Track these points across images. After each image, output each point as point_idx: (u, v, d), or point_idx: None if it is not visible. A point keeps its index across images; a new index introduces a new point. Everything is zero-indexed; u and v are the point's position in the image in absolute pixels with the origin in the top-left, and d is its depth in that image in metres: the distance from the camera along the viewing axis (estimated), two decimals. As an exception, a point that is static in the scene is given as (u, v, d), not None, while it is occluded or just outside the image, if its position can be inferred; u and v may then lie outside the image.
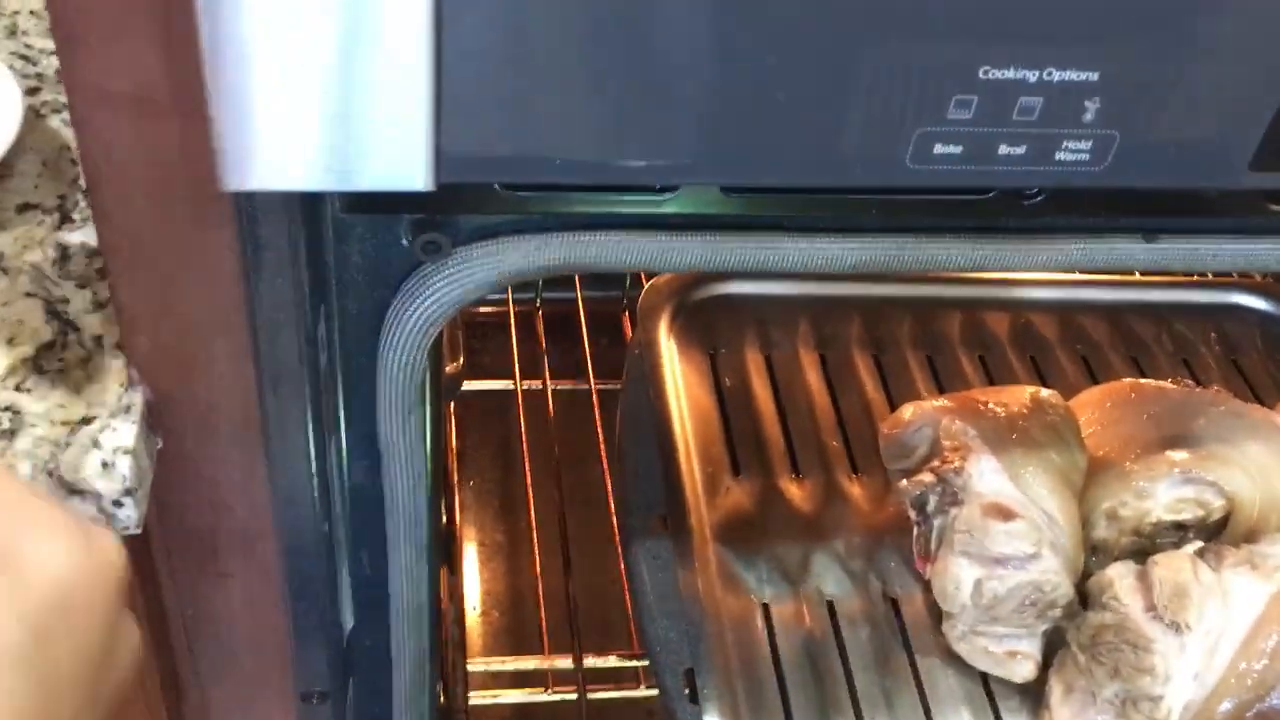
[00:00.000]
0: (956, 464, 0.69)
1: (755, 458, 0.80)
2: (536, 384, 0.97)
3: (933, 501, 0.70)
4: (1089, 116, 0.50)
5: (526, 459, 0.83)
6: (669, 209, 0.53)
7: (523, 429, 0.82)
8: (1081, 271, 0.91)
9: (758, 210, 0.55)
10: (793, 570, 0.74)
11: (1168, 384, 0.77)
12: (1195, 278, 0.97)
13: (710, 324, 0.87)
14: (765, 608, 0.72)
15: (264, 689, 0.72)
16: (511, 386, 0.85)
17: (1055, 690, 0.66)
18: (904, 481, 0.71)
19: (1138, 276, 0.96)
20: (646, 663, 0.72)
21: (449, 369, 0.82)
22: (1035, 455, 0.69)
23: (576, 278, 1.08)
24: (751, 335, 0.87)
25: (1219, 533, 0.71)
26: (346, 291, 0.55)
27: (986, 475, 0.68)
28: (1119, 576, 0.65)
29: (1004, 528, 0.65)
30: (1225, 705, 0.62)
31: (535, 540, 0.79)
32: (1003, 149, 0.50)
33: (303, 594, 0.67)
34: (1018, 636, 0.67)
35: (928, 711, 0.68)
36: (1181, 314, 0.94)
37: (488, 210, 0.53)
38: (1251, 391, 0.89)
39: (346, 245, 0.54)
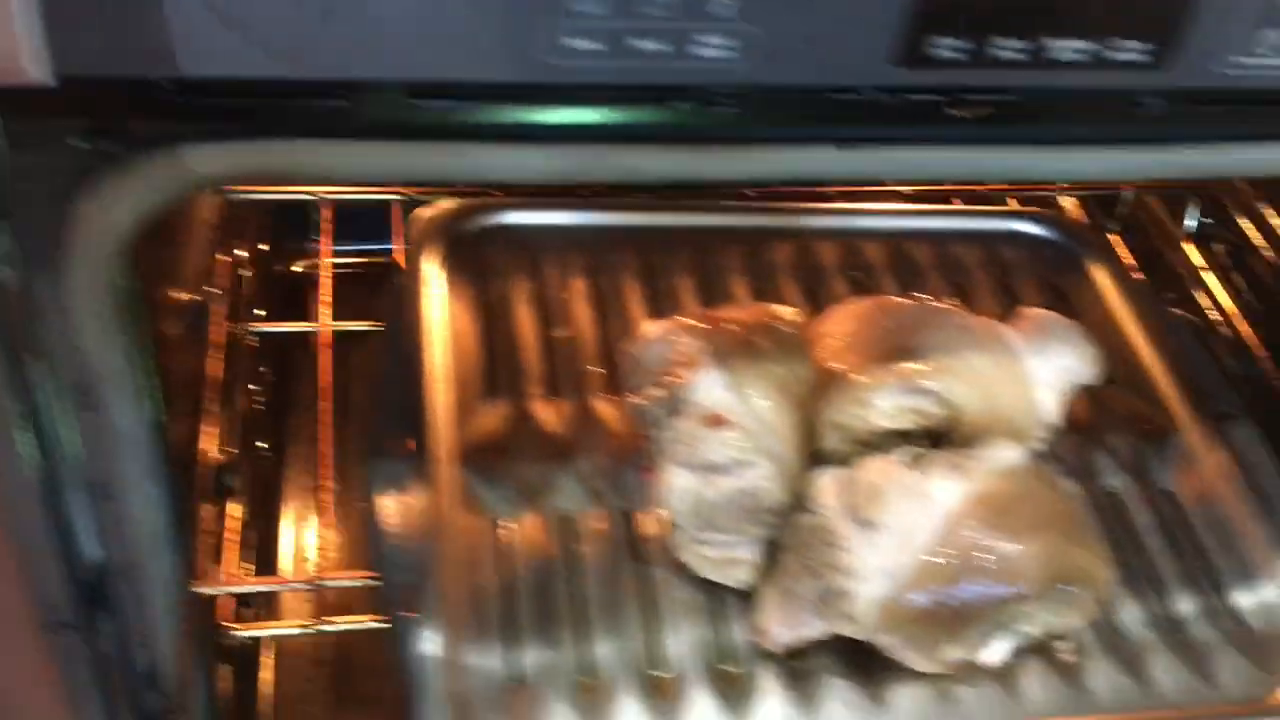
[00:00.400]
0: (682, 378, 0.70)
1: (511, 383, 0.80)
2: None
3: (658, 415, 0.71)
4: (727, 11, 0.51)
5: (321, 398, 0.84)
6: (357, 117, 0.53)
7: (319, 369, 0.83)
8: (778, 183, 0.92)
9: (444, 119, 0.56)
10: (534, 490, 0.74)
11: (905, 300, 0.78)
12: (976, 206, 0.99)
13: (481, 255, 0.87)
14: (502, 527, 0.73)
15: (6, 620, 0.72)
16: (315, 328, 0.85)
17: (768, 593, 0.67)
18: (634, 397, 0.72)
19: (918, 206, 0.98)
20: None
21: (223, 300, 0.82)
22: (759, 368, 0.70)
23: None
24: (524, 266, 0.88)
25: (942, 442, 0.72)
26: (28, 203, 0.55)
27: (708, 387, 0.69)
28: (823, 481, 0.66)
29: (717, 435, 0.66)
30: (916, 597, 0.63)
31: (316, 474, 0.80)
32: (642, 44, 0.51)
33: (27, 524, 0.66)
34: (735, 543, 0.68)
35: (651, 621, 0.70)
36: (959, 240, 0.96)
37: (165, 115, 0.53)
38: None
39: (23, 155, 0.53)
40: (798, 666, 0.68)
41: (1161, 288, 1.05)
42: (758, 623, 0.67)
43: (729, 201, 0.94)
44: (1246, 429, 0.84)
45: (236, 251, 0.89)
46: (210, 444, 0.78)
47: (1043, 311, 0.77)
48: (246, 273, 0.91)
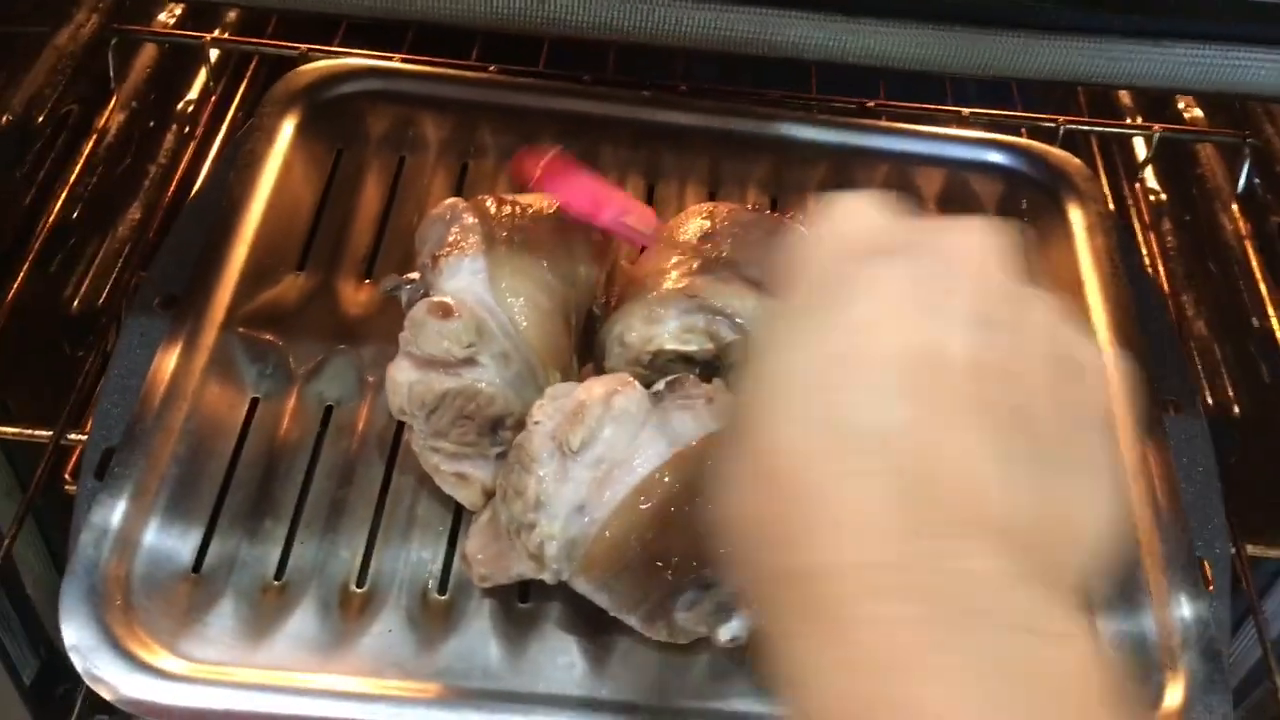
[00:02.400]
0: (439, 260, 0.60)
1: (329, 257, 0.73)
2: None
3: (405, 298, 0.62)
4: None
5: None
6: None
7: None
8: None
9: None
10: (304, 372, 0.67)
11: (745, 207, 0.66)
12: (949, 130, 0.84)
13: (346, 120, 0.79)
14: (253, 402, 0.66)
15: None
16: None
17: (480, 516, 0.58)
18: (388, 277, 0.63)
19: (884, 122, 0.84)
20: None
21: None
22: (528, 262, 0.60)
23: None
24: (390, 136, 0.79)
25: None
26: None
27: (461, 274, 0.60)
28: (553, 394, 0.56)
29: (438, 326, 0.57)
30: (614, 543, 0.52)
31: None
32: None
33: None
34: (466, 457, 0.59)
35: (375, 532, 0.61)
36: (921, 164, 0.81)
37: None
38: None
39: None
40: (515, 607, 0.59)
41: (1203, 254, 0.87)
42: (463, 550, 0.58)
43: (650, 94, 0.83)
44: (1192, 426, 0.68)
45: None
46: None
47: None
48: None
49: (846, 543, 0.32)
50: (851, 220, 0.38)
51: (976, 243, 0.37)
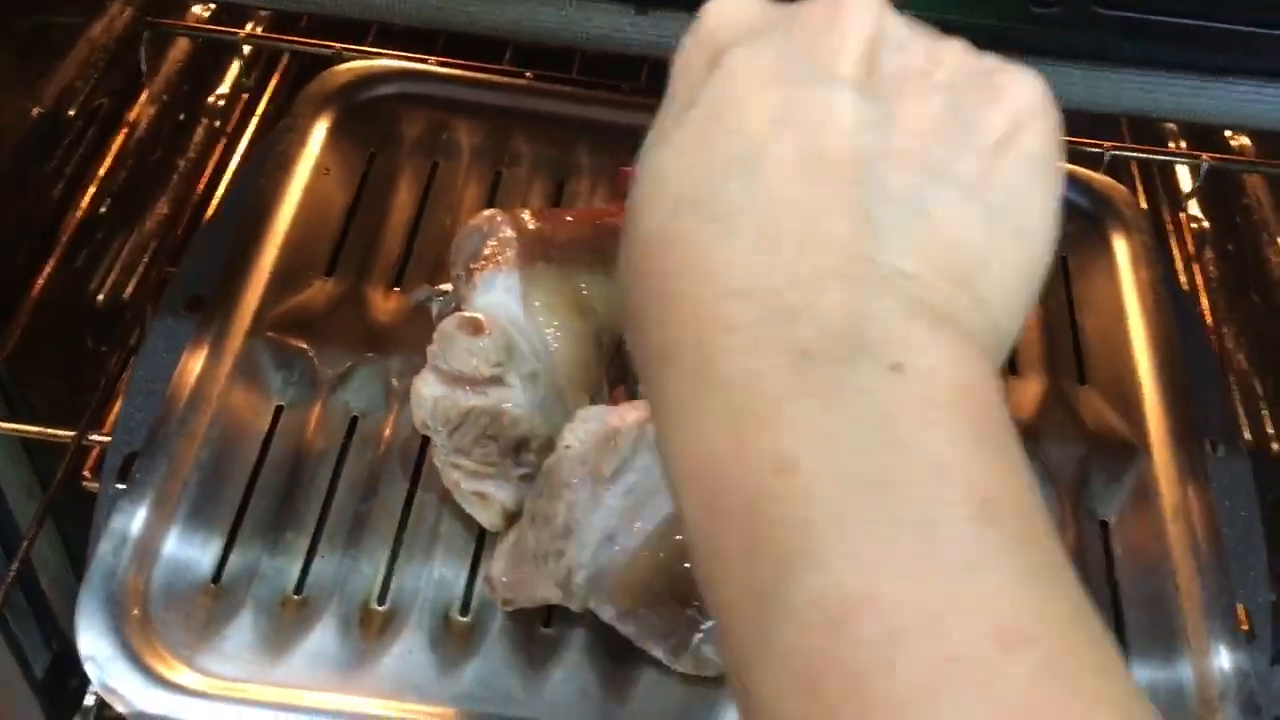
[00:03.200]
0: (475, 274, 0.59)
1: (359, 263, 0.72)
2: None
3: (436, 309, 0.61)
4: None
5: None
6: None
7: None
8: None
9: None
10: (330, 379, 0.66)
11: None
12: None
13: (380, 123, 0.78)
14: (278, 410, 0.65)
15: None
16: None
17: (507, 536, 0.57)
18: (418, 290, 0.62)
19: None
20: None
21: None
22: (564, 281, 0.59)
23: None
24: (424, 141, 0.78)
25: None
26: None
27: (495, 290, 0.58)
28: (578, 418, 0.54)
29: (467, 343, 0.56)
30: (643, 573, 0.51)
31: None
32: None
33: None
34: (487, 477, 0.58)
35: (397, 547, 0.60)
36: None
37: None
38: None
39: None
40: (538, 631, 0.58)
41: (1246, 286, 0.86)
42: (488, 572, 0.57)
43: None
44: (1234, 467, 0.66)
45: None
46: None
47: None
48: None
49: (712, 296, 0.31)
50: (722, 10, 0.36)
51: (855, 6, 0.35)
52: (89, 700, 0.72)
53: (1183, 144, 0.92)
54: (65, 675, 0.81)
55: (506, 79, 0.81)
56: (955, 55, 0.35)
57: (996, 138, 0.33)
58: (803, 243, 0.31)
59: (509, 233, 0.61)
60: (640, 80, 0.84)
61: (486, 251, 0.60)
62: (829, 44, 0.34)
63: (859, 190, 0.32)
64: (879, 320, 0.30)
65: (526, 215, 0.62)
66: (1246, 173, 0.87)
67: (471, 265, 0.60)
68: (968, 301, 0.32)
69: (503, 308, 0.58)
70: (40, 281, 0.72)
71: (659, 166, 0.34)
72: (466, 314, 0.57)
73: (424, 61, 0.81)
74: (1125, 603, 0.61)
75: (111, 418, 0.71)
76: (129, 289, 0.82)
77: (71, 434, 0.66)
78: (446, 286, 0.62)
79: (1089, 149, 0.84)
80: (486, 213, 0.63)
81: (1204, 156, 0.84)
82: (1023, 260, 0.33)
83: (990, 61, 0.35)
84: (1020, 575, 0.27)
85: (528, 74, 0.82)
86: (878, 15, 0.35)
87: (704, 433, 0.30)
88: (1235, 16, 0.49)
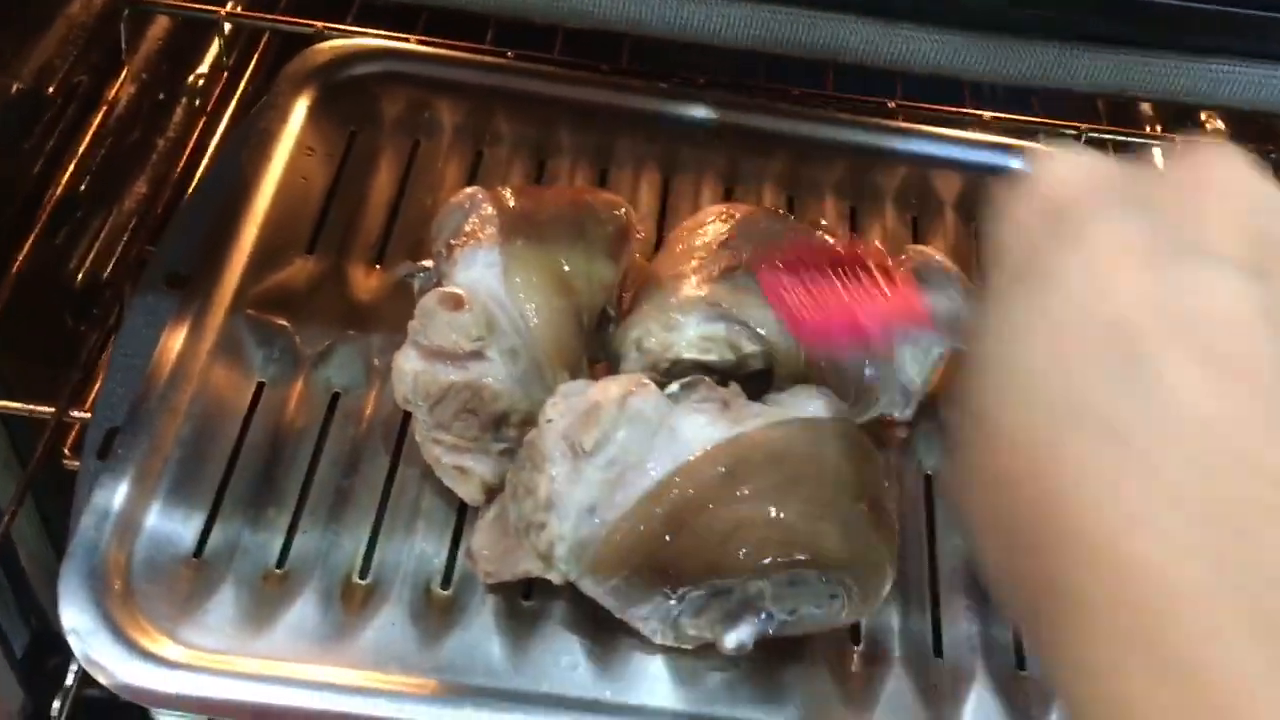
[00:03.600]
0: (454, 250, 0.59)
1: (340, 241, 0.72)
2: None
3: (417, 285, 0.61)
4: None
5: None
6: None
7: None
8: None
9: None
10: (312, 357, 0.66)
11: (766, 209, 0.65)
12: (965, 134, 0.83)
13: (361, 101, 0.78)
14: (259, 387, 0.65)
15: None
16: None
17: (488, 510, 0.57)
18: (402, 264, 0.62)
19: (904, 124, 0.83)
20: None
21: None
22: (544, 257, 0.59)
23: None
24: (405, 119, 0.78)
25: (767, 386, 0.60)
26: None
27: (475, 266, 0.59)
28: (565, 391, 0.55)
29: (447, 317, 0.56)
30: (623, 546, 0.52)
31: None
32: None
33: None
34: (467, 451, 0.58)
35: (379, 522, 0.61)
36: (938, 167, 0.80)
37: None
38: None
39: None
40: (519, 604, 0.58)
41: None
42: (469, 545, 0.57)
43: (668, 86, 0.81)
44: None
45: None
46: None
47: (926, 250, 0.62)
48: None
49: (1136, 546, 0.26)
50: (1060, 172, 0.32)
51: (1221, 170, 0.30)
52: (69, 680, 0.72)
53: (1158, 128, 0.93)
54: (45, 654, 0.81)
55: (488, 58, 0.81)
56: None
57: None
58: (1234, 471, 0.26)
59: (490, 210, 0.61)
60: (622, 61, 0.84)
61: (467, 228, 0.60)
62: (1199, 214, 0.29)
63: (1265, 394, 0.27)
64: None
65: (507, 193, 0.62)
66: (1220, 156, 0.88)
67: (452, 241, 0.60)
68: None
69: (483, 283, 0.58)
70: (19, 259, 0.72)
71: (1013, 353, 0.29)
72: (447, 289, 0.57)
73: (405, 40, 0.81)
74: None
75: (91, 395, 0.71)
76: (108, 267, 0.82)
77: (52, 410, 0.66)
78: (428, 263, 0.62)
79: (1065, 131, 0.85)
80: (467, 190, 0.63)
81: (1177, 140, 0.85)
82: None
83: None
84: None
85: (509, 53, 0.82)
86: (1248, 178, 0.31)
87: (1141, 700, 0.25)
88: (1210, -3, 0.50)
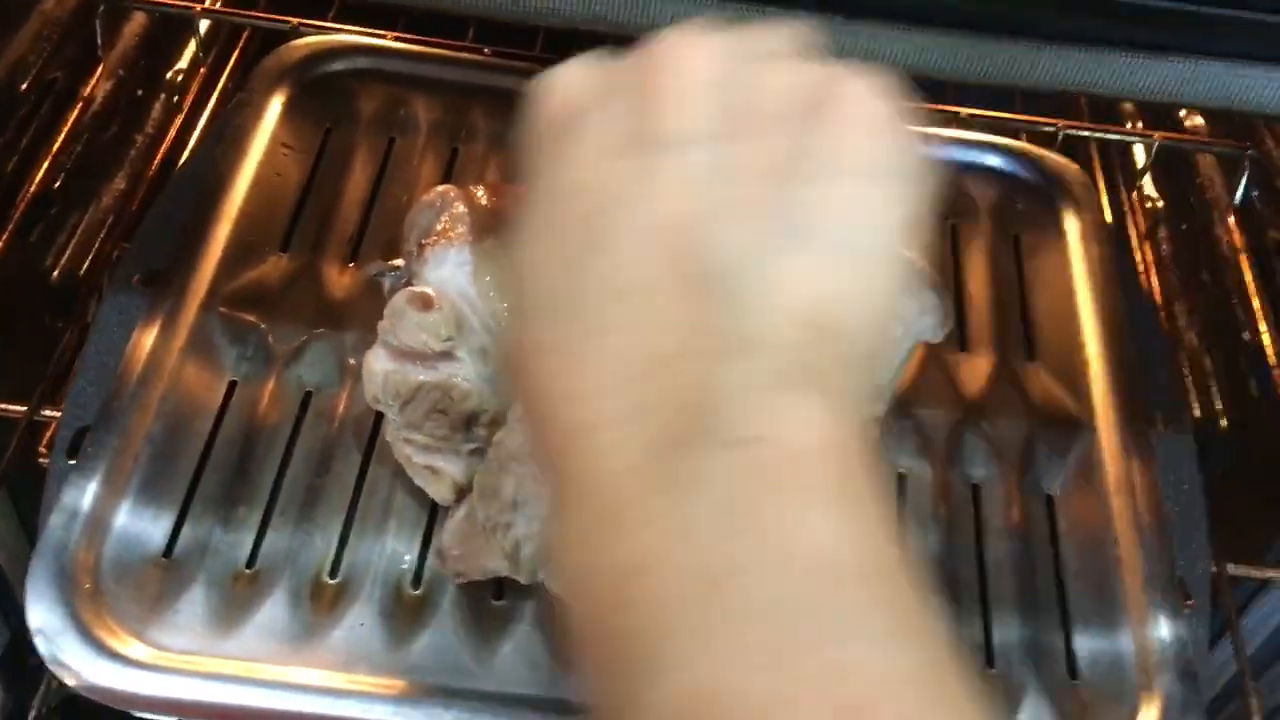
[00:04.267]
0: (425, 249, 0.59)
1: (314, 238, 0.72)
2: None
3: (388, 285, 0.61)
4: None
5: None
6: None
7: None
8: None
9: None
10: (285, 355, 0.66)
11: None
12: (946, 131, 0.83)
13: (336, 98, 0.78)
14: (231, 385, 0.65)
15: None
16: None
17: (457, 509, 0.57)
18: (373, 263, 0.62)
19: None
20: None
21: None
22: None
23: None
24: (380, 116, 0.78)
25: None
26: None
27: (446, 265, 0.58)
28: (531, 393, 0.55)
29: (417, 317, 0.56)
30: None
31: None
32: None
33: None
34: (438, 451, 0.58)
35: (350, 521, 0.61)
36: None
37: None
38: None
39: None
40: (489, 604, 0.58)
41: (1198, 264, 0.87)
42: (438, 544, 0.57)
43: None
44: (1179, 442, 0.67)
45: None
46: None
47: (894, 245, 0.62)
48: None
49: (577, 399, 0.31)
50: (558, 84, 0.37)
51: (680, 49, 0.35)
52: (47, 679, 0.72)
53: (1139, 125, 0.93)
54: (24, 652, 0.81)
55: (464, 54, 0.81)
56: (785, 75, 0.34)
57: (828, 160, 0.33)
58: (645, 329, 0.31)
59: (461, 208, 0.61)
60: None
61: (439, 227, 0.60)
62: (656, 100, 0.34)
63: (695, 259, 0.31)
64: (728, 396, 0.29)
65: (480, 191, 0.62)
66: (1199, 152, 0.88)
67: (423, 241, 0.60)
68: (821, 350, 0.31)
69: (453, 282, 0.58)
70: (-6, 257, 0.72)
71: (525, 258, 0.35)
72: (417, 289, 0.57)
73: (381, 37, 0.81)
74: (1068, 575, 0.62)
75: (67, 393, 0.71)
76: (84, 264, 0.82)
77: (24, 409, 0.66)
78: (399, 262, 0.62)
79: (1043, 128, 0.85)
80: (439, 188, 0.63)
81: (1156, 135, 0.85)
82: (868, 288, 0.33)
83: (824, 73, 0.35)
84: (876, 639, 0.27)
85: (485, 50, 0.82)
86: (704, 53, 0.35)
87: (574, 543, 0.30)
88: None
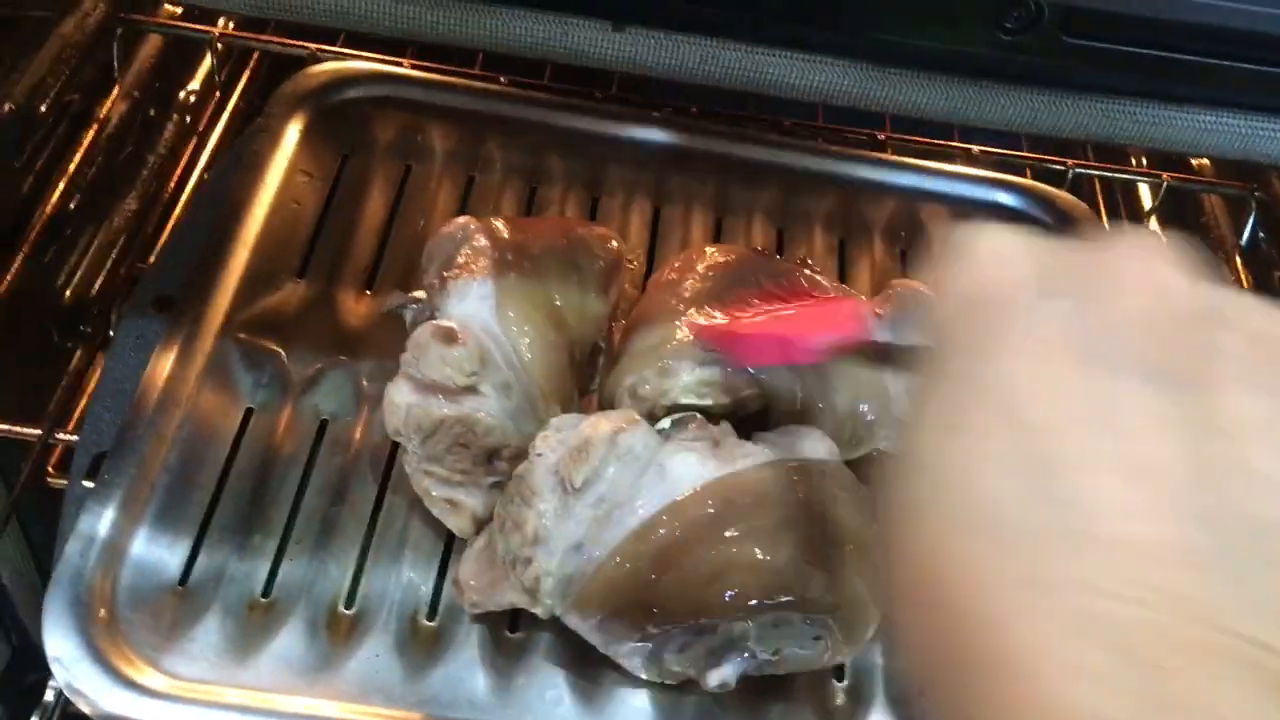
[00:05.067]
0: (448, 281, 0.60)
1: (331, 265, 0.72)
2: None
3: (409, 317, 0.61)
4: None
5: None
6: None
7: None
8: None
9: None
10: (301, 383, 0.66)
11: (756, 251, 0.65)
12: (957, 168, 0.83)
13: (353, 125, 0.78)
14: (248, 412, 0.65)
15: None
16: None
17: (476, 540, 0.57)
18: (394, 294, 0.63)
19: (897, 158, 0.83)
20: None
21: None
22: (537, 291, 0.60)
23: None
24: (397, 144, 0.78)
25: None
26: None
27: (469, 299, 0.59)
28: (557, 425, 0.55)
29: (441, 351, 0.56)
30: (611, 584, 0.52)
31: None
32: None
33: None
34: (459, 484, 0.58)
35: (366, 551, 0.61)
36: (928, 201, 0.81)
37: None
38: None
39: None
40: (504, 636, 0.58)
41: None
42: (456, 574, 0.58)
43: (660, 114, 0.82)
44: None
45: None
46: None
47: (912, 284, 0.63)
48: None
49: (1048, 673, 0.25)
50: (982, 258, 0.32)
51: (1142, 264, 0.30)
52: (49, 696, 0.71)
53: (1144, 163, 0.94)
54: (24, 671, 0.80)
55: (481, 84, 0.81)
56: (1246, 318, 0.29)
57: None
58: (1158, 606, 0.25)
59: (482, 241, 0.61)
60: (613, 89, 0.85)
61: (460, 260, 0.61)
62: (1118, 313, 0.29)
63: (1211, 531, 0.26)
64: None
65: (499, 224, 0.63)
66: (1205, 192, 0.89)
67: (445, 273, 0.60)
68: None
69: (477, 317, 0.58)
70: (7, 277, 0.72)
71: (932, 457, 0.29)
72: (441, 323, 0.57)
73: (398, 64, 0.82)
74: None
75: (76, 415, 0.71)
76: (96, 285, 0.82)
77: (38, 432, 0.66)
78: (420, 294, 0.62)
79: (1053, 166, 0.86)
80: (460, 220, 0.63)
81: (1164, 176, 0.86)
82: None
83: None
84: None
85: (502, 79, 0.83)
86: (1169, 275, 0.30)
87: None
88: (1196, 49, 0.51)
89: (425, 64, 0.82)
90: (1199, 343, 0.29)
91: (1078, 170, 0.85)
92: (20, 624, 0.79)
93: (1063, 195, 0.82)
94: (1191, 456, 0.27)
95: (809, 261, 0.66)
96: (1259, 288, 0.84)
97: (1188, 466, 0.27)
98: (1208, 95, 0.53)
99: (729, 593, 0.51)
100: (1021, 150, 0.87)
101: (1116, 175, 0.88)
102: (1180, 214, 0.91)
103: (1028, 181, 0.83)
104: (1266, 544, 0.26)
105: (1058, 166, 0.86)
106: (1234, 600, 0.25)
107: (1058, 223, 0.81)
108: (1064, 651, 0.25)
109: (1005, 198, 0.82)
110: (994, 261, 0.31)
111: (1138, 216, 0.92)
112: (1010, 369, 0.29)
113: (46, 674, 0.69)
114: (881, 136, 0.86)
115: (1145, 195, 0.92)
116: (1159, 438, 0.27)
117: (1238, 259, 0.85)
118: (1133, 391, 0.28)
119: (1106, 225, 0.87)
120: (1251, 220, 0.84)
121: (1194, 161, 0.91)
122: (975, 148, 0.86)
